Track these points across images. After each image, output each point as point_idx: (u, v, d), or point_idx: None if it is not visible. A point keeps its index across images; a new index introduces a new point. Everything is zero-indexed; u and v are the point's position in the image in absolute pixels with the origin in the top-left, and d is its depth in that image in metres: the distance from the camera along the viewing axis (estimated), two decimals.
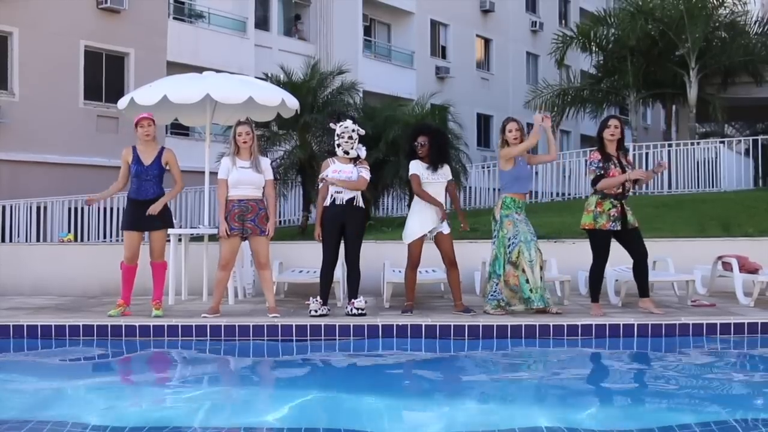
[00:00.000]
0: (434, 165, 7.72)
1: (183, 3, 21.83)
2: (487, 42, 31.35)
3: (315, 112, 15.38)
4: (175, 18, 21.22)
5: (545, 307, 7.51)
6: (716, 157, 19.20)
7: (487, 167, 21.31)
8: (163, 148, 7.75)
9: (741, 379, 6.00)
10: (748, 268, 8.48)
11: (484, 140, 30.29)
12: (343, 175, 7.52)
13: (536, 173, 19.78)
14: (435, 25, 28.89)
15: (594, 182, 7.47)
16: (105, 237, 15.68)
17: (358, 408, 4.98)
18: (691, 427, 4.38)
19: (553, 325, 7.09)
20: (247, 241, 7.77)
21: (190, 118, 10.03)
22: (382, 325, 7.14)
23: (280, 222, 18.82)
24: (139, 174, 7.55)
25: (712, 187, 18.76)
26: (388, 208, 19.22)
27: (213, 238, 8.46)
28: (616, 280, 8.36)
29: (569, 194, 20.20)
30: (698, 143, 19.94)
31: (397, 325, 7.12)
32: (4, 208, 15.14)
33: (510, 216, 7.56)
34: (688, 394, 5.38)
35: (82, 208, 15.72)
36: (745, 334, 7.09)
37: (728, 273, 8.60)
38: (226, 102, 8.77)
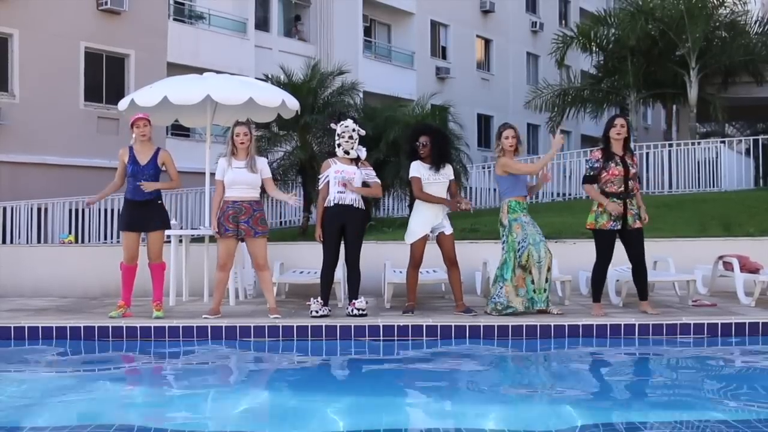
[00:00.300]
0: (436, 165, 7.71)
1: (183, 4, 21.84)
2: (487, 42, 31.35)
3: (315, 113, 15.38)
4: (175, 19, 21.23)
5: (545, 308, 7.52)
6: (717, 157, 19.20)
7: (488, 168, 21.30)
8: (159, 149, 7.74)
9: (742, 379, 6.00)
10: (749, 267, 8.48)
11: (484, 141, 30.29)
12: (347, 175, 7.52)
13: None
14: (435, 26, 28.89)
15: (584, 180, 7.64)
16: (105, 238, 15.67)
17: (359, 408, 4.98)
18: (693, 425, 4.37)
19: (554, 326, 7.09)
20: (244, 243, 7.77)
21: (190, 120, 10.03)
22: (383, 326, 7.14)
23: (280, 223, 18.83)
24: (135, 174, 7.55)
25: (713, 186, 18.75)
26: (388, 209, 19.23)
27: (213, 239, 8.45)
28: (617, 281, 8.35)
29: (570, 194, 20.21)
30: (699, 143, 19.94)
31: (398, 326, 7.12)
32: (4, 209, 15.14)
33: (518, 219, 7.58)
34: (689, 394, 5.38)
35: (83, 210, 15.72)
36: (746, 334, 7.09)
37: (729, 273, 8.60)
38: (227, 103, 8.77)
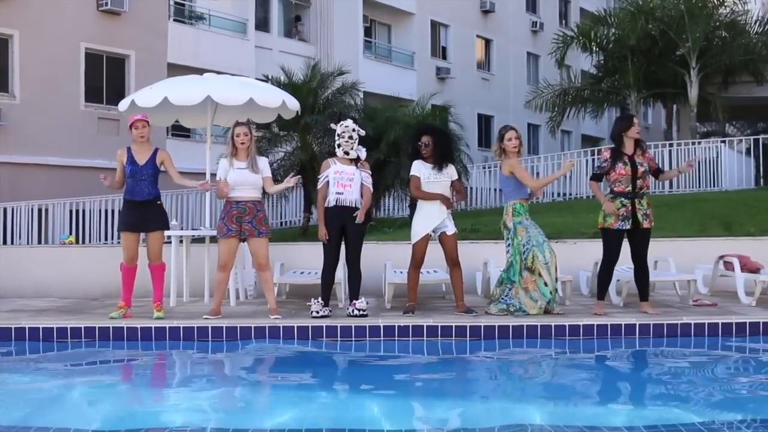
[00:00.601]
0: (439, 165, 7.71)
1: (183, 5, 21.84)
2: (487, 42, 31.35)
3: (316, 113, 15.38)
4: (175, 20, 21.23)
5: (549, 308, 7.54)
6: (717, 157, 19.19)
7: (488, 168, 21.31)
8: (157, 149, 7.74)
9: (743, 380, 6.00)
10: (750, 267, 8.48)
11: (485, 141, 30.28)
12: (345, 177, 7.50)
13: (537, 173, 19.79)
14: (435, 26, 28.89)
15: (591, 177, 7.75)
16: (106, 239, 15.68)
17: (359, 409, 4.98)
18: (695, 426, 4.37)
19: (554, 326, 7.09)
20: (246, 243, 7.77)
21: (191, 120, 10.03)
22: (384, 326, 7.14)
23: (281, 223, 18.82)
24: (134, 174, 7.55)
25: (714, 186, 18.74)
26: (389, 209, 19.22)
27: (214, 239, 8.46)
28: (618, 280, 8.35)
29: (570, 195, 20.21)
30: (699, 143, 19.93)
31: (398, 326, 7.13)
32: (5, 210, 15.15)
33: (522, 222, 7.60)
34: (690, 394, 5.38)
35: (83, 211, 15.73)
36: (747, 334, 7.09)
37: (730, 272, 8.60)
38: (227, 104, 8.77)
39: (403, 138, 14.95)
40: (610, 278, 7.75)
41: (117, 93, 17.98)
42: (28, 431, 4.40)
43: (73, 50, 18.22)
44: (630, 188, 7.43)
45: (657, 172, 7.74)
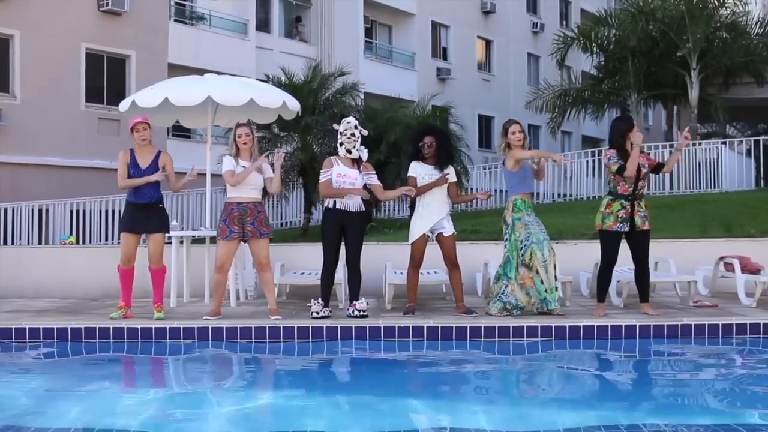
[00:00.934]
0: (440, 166, 7.71)
1: (184, 5, 21.84)
2: (488, 43, 31.35)
3: (316, 114, 15.37)
4: (176, 20, 21.24)
5: (555, 309, 7.52)
6: (718, 158, 19.18)
7: (488, 168, 21.31)
8: (159, 152, 7.74)
9: (743, 380, 5.99)
10: (750, 268, 8.48)
11: (485, 141, 30.30)
12: (348, 180, 7.49)
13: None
14: (436, 27, 28.89)
15: (620, 171, 7.32)
16: (106, 239, 15.69)
17: (359, 409, 4.98)
18: (694, 427, 4.37)
19: (555, 326, 7.09)
20: (247, 243, 7.76)
21: (191, 121, 10.04)
22: (384, 327, 7.14)
23: (281, 224, 18.82)
24: (137, 177, 7.56)
25: (714, 187, 18.74)
26: (389, 210, 19.22)
27: (214, 240, 8.46)
28: (618, 281, 8.35)
29: (571, 195, 20.21)
30: (700, 144, 19.91)
31: (398, 327, 7.13)
32: (5, 210, 15.16)
33: (522, 218, 7.57)
34: (690, 395, 5.38)
35: (84, 211, 15.73)
36: (747, 335, 7.09)
37: (730, 274, 8.60)
38: (228, 104, 8.78)
39: (403, 139, 14.93)
40: (609, 280, 7.74)
41: (117, 93, 18.00)
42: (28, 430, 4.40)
43: (74, 50, 18.24)
44: (631, 189, 7.42)
45: (659, 167, 7.70)
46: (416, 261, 7.73)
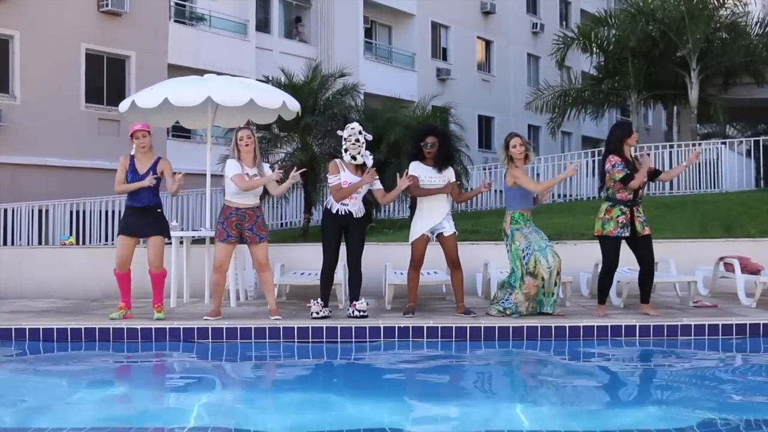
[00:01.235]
0: (440, 166, 7.71)
1: (184, 6, 21.85)
2: (487, 43, 31.36)
3: (316, 115, 15.37)
4: (176, 21, 21.24)
5: (552, 312, 7.52)
6: (718, 158, 19.19)
7: (489, 169, 21.31)
8: (159, 159, 7.72)
9: (743, 381, 5.99)
10: (750, 269, 8.48)
11: (485, 142, 30.30)
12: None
13: (537, 174, 19.80)
14: (436, 27, 28.90)
15: (625, 180, 7.31)
16: (106, 240, 15.68)
17: (360, 410, 4.98)
18: (693, 429, 4.37)
19: (555, 327, 7.10)
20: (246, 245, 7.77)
21: (191, 121, 10.03)
22: (384, 327, 7.14)
23: (281, 224, 18.82)
24: (134, 182, 7.57)
25: (714, 188, 18.75)
26: (389, 211, 19.22)
27: (214, 240, 8.46)
28: (618, 281, 8.35)
29: (570, 196, 20.22)
30: (700, 144, 19.91)
31: (398, 327, 7.13)
32: (5, 211, 15.16)
33: (520, 230, 7.59)
34: (690, 396, 5.38)
35: (84, 211, 15.73)
36: (747, 336, 7.09)
37: (730, 274, 8.60)
38: (228, 104, 8.77)
39: (403, 139, 14.94)
40: (610, 283, 7.75)
41: (117, 94, 18.01)
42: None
43: (74, 51, 18.24)
44: (631, 196, 7.42)
45: (654, 174, 7.69)
46: (416, 261, 7.73)
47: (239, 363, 6.78)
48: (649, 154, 7.73)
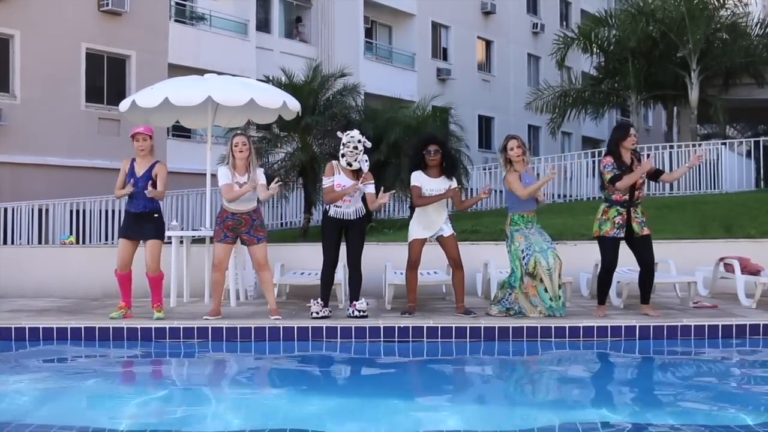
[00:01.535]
0: (447, 175, 7.70)
1: (184, 5, 21.85)
2: (488, 44, 31.36)
3: (316, 114, 15.37)
4: (176, 20, 21.24)
5: (564, 316, 7.50)
6: (718, 159, 19.19)
7: (489, 169, 21.31)
8: (156, 162, 7.69)
9: (743, 381, 5.99)
10: (750, 269, 8.48)
11: (485, 142, 30.30)
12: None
13: (537, 175, 19.75)
14: (436, 27, 28.90)
15: (613, 181, 7.34)
16: (106, 239, 15.69)
17: (359, 410, 4.98)
18: (694, 428, 4.37)
19: (555, 327, 7.10)
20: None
21: (191, 121, 10.03)
22: (384, 327, 7.14)
23: (281, 224, 18.83)
24: (135, 184, 7.57)
25: (714, 188, 18.75)
26: (389, 211, 19.22)
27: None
28: (618, 282, 8.35)
29: (570, 196, 20.22)
30: (700, 145, 19.92)
31: (398, 327, 7.13)
32: (5, 210, 15.16)
33: (520, 230, 7.60)
34: (690, 396, 5.38)
35: (84, 211, 15.73)
36: (747, 336, 7.09)
37: (730, 274, 8.60)
38: (228, 104, 8.78)
39: (403, 139, 14.96)
40: (609, 283, 7.75)
41: (118, 93, 18.01)
42: (29, 428, 4.40)
43: (74, 50, 18.24)
44: (627, 197, 7.42)
45: (656, 174, 7.70)
46: (413, 261, 7.73)
47: (239, 363, 6.78)
48: (648, 155, 7.69)
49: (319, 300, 7.48)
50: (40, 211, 15.49)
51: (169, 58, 19.93)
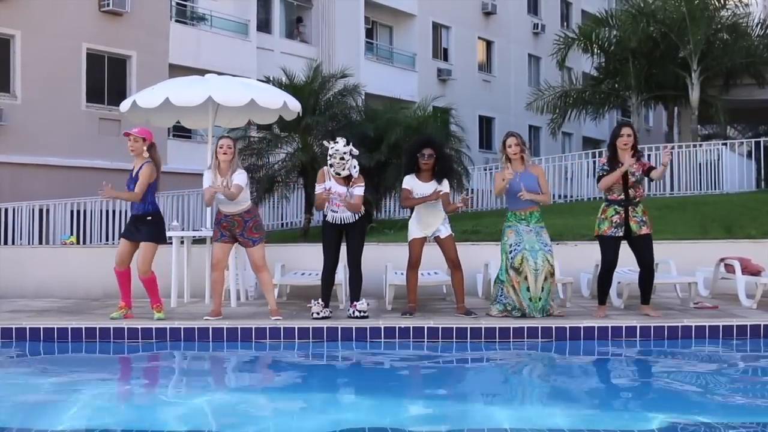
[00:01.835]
0: (437, 179, 7.71)
1: (185, 5, 21.85)
2: (488, 44, 31.35)
3: (317, 115, 15.37)
4: (177, 21, 21.24)
5: (541, 317, 7.50)
6: (718, 159, 19.19)
7: (489, 169, 21.30)
8: (144, 164, 7.59)
9: (744, 382, 5.99)
10: (751, 270, 8.48)
11: (485, 142, 30.29)
12: (339, 197, 7.46)
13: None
14: (437, 28, 28.90)
15: (598, 181, 7.57)
16: (107, 239, 15.69)
17: (359, 410, 4.98)
18: (693, 428, 4.37)
19: (555, 327, 7.09)
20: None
21: (192, 121, 10.04)
22: (384, 328, 7.15)
23: (282, 224, 18.83)
24: (128, 185, 7.62)
25: (715, 189, 18.74)
26: (389, 211, 19.22)
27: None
28: (619, 282, 8.35)
29: (571, 196, 20.21)
30: (700, 145, 19.92)
31: (399, 328, 7.13)
32: (6, 210, 15.16)
33: (512, 226, 7.64)
34: (690, 397, 5.37)
35: (84, 211, 15.73)
36: (748, 337, 7.09)
37: (731, 275, 8.60)
38: (228, 104, 8.78)
39: (404, 140, 14.94)
40: (609, 283, 7.75)
41: (118, 93, 18.01)
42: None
43: (75, 50, 18.24)
44: (623, 196, 7.43)
45: (649, 171, 7.64)
46: (413, 261, 7.74)
47: (238, 363, 6.78)
48: (642, 155, 7.70)
49: (319, 300, 7.48)
50: (40, 211, 15.49)
51: (170, 58, 19.93)
